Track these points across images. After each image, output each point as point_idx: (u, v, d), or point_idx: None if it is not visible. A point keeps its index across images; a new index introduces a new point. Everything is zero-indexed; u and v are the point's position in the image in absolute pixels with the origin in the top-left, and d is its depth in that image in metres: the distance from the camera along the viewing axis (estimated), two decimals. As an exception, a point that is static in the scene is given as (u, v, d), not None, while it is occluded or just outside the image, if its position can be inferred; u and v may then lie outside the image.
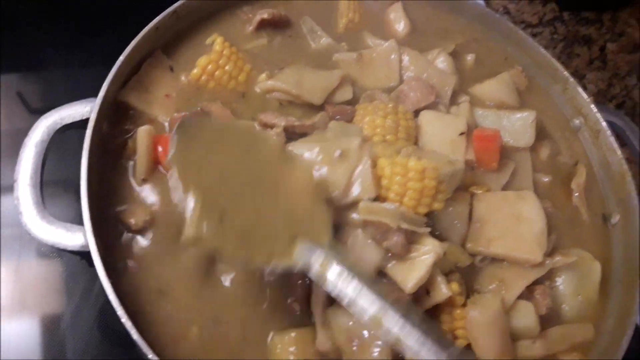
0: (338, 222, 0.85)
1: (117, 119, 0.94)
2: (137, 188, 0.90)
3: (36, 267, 1.07)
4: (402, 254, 0.82)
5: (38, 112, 1.01)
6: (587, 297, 0.96)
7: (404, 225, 0.81)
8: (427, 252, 0.83)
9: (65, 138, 0.92)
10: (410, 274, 0.81)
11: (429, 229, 0.85)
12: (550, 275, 0.95)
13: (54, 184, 1.00)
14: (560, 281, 0.96)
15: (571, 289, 0.96)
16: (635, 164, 1.15)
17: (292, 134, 0.92)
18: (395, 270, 0.83)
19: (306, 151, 0.87)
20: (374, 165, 0.86)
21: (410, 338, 0.72)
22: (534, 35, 1.79)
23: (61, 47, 1.30)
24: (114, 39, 0.99)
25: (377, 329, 0.74)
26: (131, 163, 0.91)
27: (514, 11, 1.82)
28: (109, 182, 0.90)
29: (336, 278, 0.74)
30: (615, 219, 1.05)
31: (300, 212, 0.80)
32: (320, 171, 0.85)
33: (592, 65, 1.77)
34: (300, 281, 0.85)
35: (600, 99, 1.69)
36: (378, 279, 0.84)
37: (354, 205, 0.85)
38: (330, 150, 0.86)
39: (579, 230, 1.05)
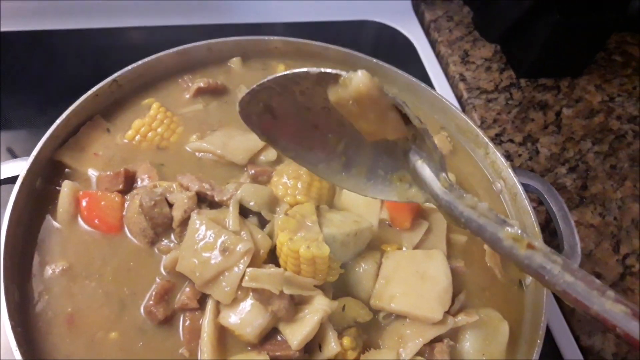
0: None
1: (52, 176, 1.03)
2: (57, 237, 0.96)
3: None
4: (288, 318, 0.86)
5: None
6: (492, 356, 0.98)
7: (288, 291, 0.85)
8: (315, 310, 0.86)
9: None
10: (297, 331, 0.85)
11: (318, 291, 0.89)
12: (456, 334, 0.98)
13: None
14: (467, 340, 0.98)
15: (476, 348, 0.98)
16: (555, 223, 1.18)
17: (205, 198, 0.98)
18: (286, 327, 0.87)
19: (203, 226, 0.89)
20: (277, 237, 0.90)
21: None
22: (489, 101, 1.88)
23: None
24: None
25: None
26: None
27: (470, 78, 1.91)
28: (35, 233, 0.96)
29: None
30: (528, 280, 1.08)
31: None
32: (198, 253, 0.87)
33: (546, 130, 1.83)
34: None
35: (553, 162, 1.75)
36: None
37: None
38: (219, 239, 0.87)
39: (493, 291, 1.07)
